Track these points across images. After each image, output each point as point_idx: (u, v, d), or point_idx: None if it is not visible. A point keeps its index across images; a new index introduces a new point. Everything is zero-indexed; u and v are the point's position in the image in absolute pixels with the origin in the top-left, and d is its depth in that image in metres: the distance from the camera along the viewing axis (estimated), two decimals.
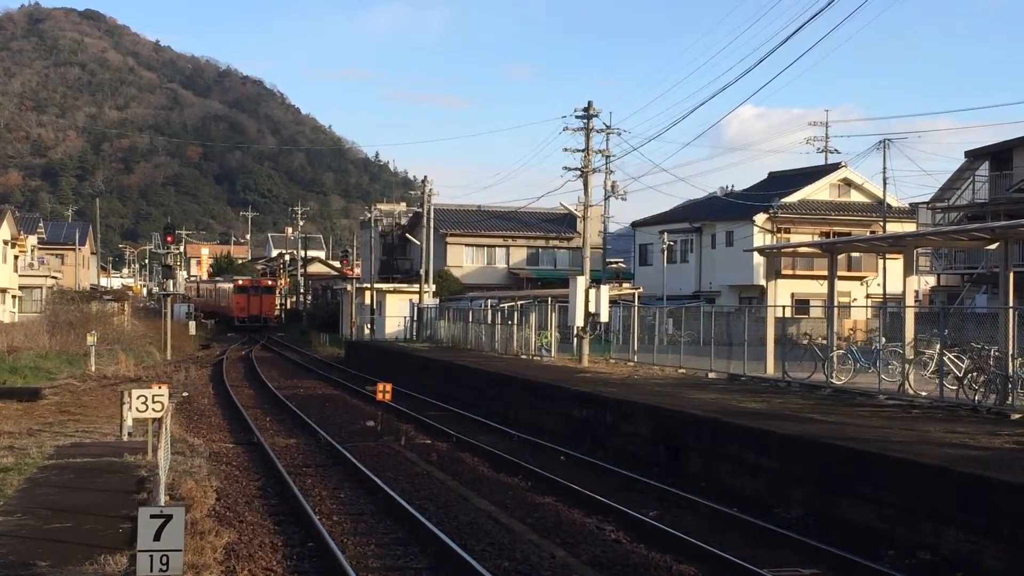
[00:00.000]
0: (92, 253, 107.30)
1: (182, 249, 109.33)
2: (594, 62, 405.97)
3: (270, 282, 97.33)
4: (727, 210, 63.02)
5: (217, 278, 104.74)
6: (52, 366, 39.34)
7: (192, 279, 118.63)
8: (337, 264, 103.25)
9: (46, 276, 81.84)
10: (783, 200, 61.40)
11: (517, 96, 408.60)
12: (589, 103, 39.37)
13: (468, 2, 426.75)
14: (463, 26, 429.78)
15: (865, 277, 60.19)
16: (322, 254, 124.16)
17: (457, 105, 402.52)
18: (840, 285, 31.56)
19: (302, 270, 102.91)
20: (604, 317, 37.35)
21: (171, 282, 60.03)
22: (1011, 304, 20.41)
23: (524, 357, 39.61)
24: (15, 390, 30.43)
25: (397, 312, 63.31)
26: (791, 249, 40.87)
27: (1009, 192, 48.66)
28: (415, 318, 59.45)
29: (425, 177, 64.95)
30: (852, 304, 53.36)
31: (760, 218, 60.36)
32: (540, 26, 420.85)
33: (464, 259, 75.60)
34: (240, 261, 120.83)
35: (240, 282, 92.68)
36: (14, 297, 73.76)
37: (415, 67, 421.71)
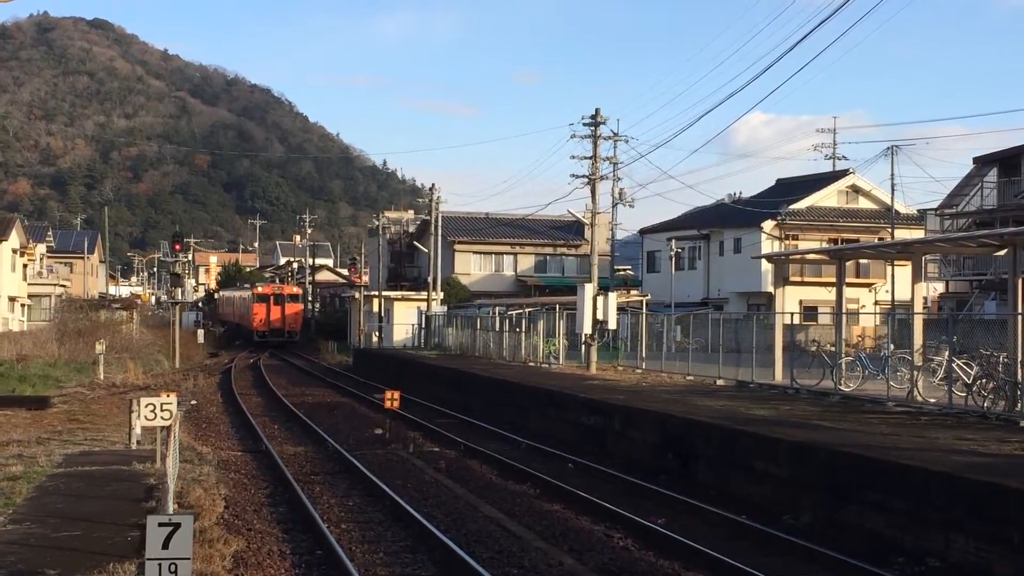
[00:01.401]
0: (101, 261, 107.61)
1: (190, 257, 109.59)
2: (603, 69, 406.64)
3: (295, 289, 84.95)
4: (735, 217, 63.03)
5: (246, 285, 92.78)
6: (61, 374, 39.42)
7: (202, 285, 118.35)
8: (345, 272, 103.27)
9: (55, 284, 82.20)
10: (791, 207, 61.44)
11: (525, 103, 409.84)
12: (596, 110, 39.41)
13: (476, 9, 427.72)
14: (471, 33, 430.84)
15: (873, 284, 60.13)
16: (330, 262, 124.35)
17: (465, 112, 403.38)
18: (848, 292, 31.52)
19: (310, 278, 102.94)
20: (612, 324, 37.32)
21: (179, 290, 60.22)
22: (1020, 310, 20.37)
23: (532, 364, 39.60)
24: (24, 398, 30.50)
25: (405, 320, 63.37)
26: (799, 256, 40.83)
27: (1018, 198, 48.65)
28: (423, 326, 59.49)
29: (433, 185, 65.15)
30: (860, 311, 53.30)
31: (768, 225, 60.37)
32: (548, 33, 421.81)
33: (472, 266, 75.68)
34: (248, 269, 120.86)
35: (260, 289, 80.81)
36: (23, 305, 74.04)
37: (423, 75, 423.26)
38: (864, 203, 64.66)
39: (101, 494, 15.00)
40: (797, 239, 60.68)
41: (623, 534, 14.75)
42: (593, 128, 39.49)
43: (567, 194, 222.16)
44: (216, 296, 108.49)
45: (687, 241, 66.29)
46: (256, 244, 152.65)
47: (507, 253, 76.54)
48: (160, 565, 8.41)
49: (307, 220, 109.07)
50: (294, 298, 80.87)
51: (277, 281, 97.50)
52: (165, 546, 8.40)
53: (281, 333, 77.54)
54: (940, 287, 58.21)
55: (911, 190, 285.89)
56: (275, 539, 14.39)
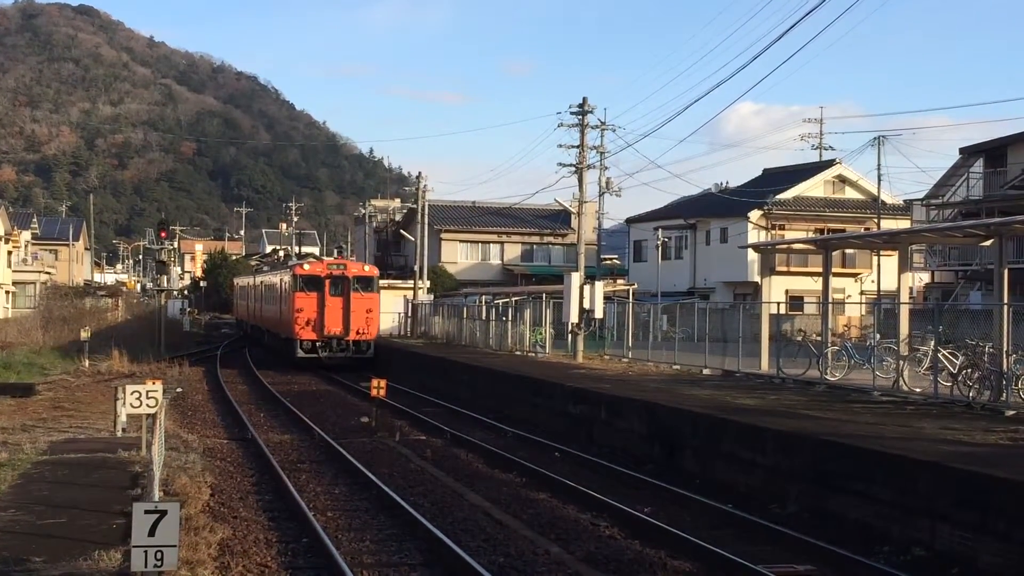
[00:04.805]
0: (86, 249, 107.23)
1: (176, 245, 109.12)
2: (593, 58, 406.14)
3: (367, 268, 49.15)
4: (722, 207, 63.07)
5: (265, 268, 68.22)
6: (46, 362, 39.31)
7: (188, 273, 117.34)
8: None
9: (40, 272, 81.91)
10: (778, 197, 61.51)
11: (514, 92, 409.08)
12: (584, 99, 39.36)
13: None
14: (461, 22, 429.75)
15: (859, 274, 60.26)
16: (316, 250, 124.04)
17: (453, 101, 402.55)
18: (834, 282, 31.59)
19: None
20: (599, 313, 37.33)
21: (165, 278, 60.02)
22: (1006, 301, 20.46)
23: (519, 354, 39.58)
24: (9, 386, 30.42)
25: (391, 308, 63.16)
26: (785, 245, 40.90)
27: (1003, 189, 48.78)
28: (409, 314, 59.39)
29: (420, 173, 64.82)
30: (846, 301, 53.45)
31: (755, 215, 60.44)
32: (539, 22, 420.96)
33: (459, 255, 75.65)
34: (234, 257, 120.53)
35: (307, 269, 46.64)
36: (8, 293, 73.74)
37: (412, 63, 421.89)
38: (851, 193, 64.81)
39: (86, 482, 14.96)
40: (783, 229, 60.76)
41: (609, 523, 14.77)
42: (581, 117, 39.44)
43: (554, 183, 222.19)
44: (201, 285, 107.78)
45: (674, 230, 66.31)
46: (242, 232, 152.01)
47: (494, 242, 76.56)
48: (146, 552, 8.40)
49: (293, 208, 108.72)
50: (366, 283, 46.20)
51: (324, 259, 64.91)
52: (151, 533, 8.39)
53: (344, 344, 45.28)
54: (926, 277, 58.36)
55: (898, 180, 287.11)
56: (261, 527, 14.37)
